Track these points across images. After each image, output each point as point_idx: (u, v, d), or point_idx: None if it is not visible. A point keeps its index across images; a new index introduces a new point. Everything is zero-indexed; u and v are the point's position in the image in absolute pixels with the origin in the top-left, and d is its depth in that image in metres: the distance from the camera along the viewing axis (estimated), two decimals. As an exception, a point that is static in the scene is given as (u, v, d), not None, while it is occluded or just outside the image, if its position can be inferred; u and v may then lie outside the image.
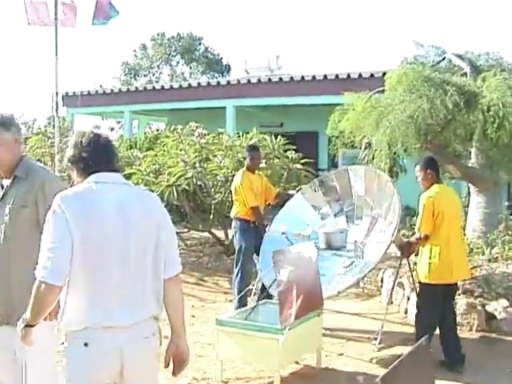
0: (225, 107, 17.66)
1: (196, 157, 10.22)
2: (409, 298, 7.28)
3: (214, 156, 10.30)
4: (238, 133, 10.91)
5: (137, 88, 20.12)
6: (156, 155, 11.34)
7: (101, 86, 25.13)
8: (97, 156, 2.97)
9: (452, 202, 5.95)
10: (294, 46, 58.53)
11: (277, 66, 22.15)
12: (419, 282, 5.98)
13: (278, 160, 10.54)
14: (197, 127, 11.08)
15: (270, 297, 6.30)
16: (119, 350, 2.86)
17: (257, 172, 7.86)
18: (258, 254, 7.42)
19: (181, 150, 10.57)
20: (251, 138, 10.54)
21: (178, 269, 3.07)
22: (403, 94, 8.25)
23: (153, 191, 10.31)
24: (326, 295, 5.92)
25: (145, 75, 34.97)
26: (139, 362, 2.94)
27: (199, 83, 18.72)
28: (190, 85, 18.80)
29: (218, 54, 36.18)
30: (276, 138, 10.68)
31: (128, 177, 11.19)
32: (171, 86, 19.04)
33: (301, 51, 48.83)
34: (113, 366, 2.89)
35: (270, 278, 6.08)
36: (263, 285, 6.67)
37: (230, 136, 10.77)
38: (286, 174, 10.40)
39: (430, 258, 5.66)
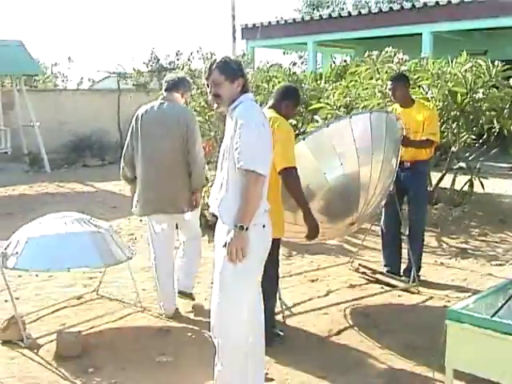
0: (420, 34, 15.58)
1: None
2: None
3: (419, 86, 8.52)
4: (447, 58, 8.99)
5: (321, 16, 18.40)
6: (347, 86, 9.76)
7: (281, 18, 23.70)
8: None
9: None
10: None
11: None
12: None
13: (496, 90, 8.56)
14: (395, 53, 9.31)
15: None
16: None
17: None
18: None
19: (377, 80, 8.91)
20: (464, 64, 8.60)
21: None
22: None
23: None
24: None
25: (328, 6, 33.02)
26: None
27: (391, 7, 16.66)
28: (380, 10, 16.81)
29: (407, -20, 33.29)
30: (494, 64, 8.65)
31: (315, 111, 9.78)
32: (359, 13, 17.12)
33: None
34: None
35: None
36: None
37: (437, 62, 8.88)
38: (508, 107, 8.42)
39: None
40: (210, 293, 5.76)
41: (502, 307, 3.47)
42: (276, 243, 4.57)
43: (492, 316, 3.43)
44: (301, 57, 31.50)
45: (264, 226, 3.55)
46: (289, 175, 4.44)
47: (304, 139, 5.26)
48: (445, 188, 9.68)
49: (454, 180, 9.59)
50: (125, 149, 5.53)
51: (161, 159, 5.25)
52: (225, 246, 3.42)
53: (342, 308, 5.54)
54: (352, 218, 5.60)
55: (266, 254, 3.63)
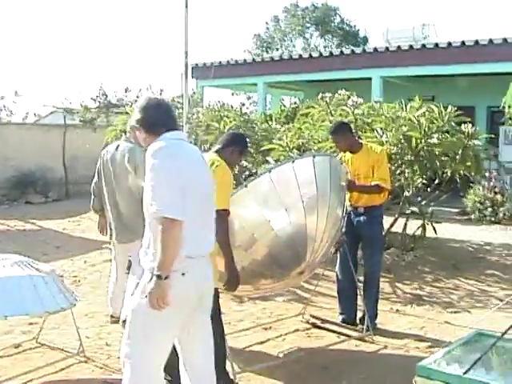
0: (370, 78, 15.75)
1: (350, 130, 8.40)
2: None
3: (372, 130, 8.47)
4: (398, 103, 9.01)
5: (272, 58, 18.56)
6: (300, 128, 9.67)
7: (232, 59, 23.73)
8: (164, 117, 3.50)
9: None
10: (440, 13, 54.07)
11: (422, 36, 19.96)
12: None
13: (448, 135, 8.56)
14: (349, 96, 9.28)
15: None
16: (206, 275, 3.47)
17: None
18: None
19: (330, 122, 8.82)
20: (417, 109, 8.60)
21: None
22: None
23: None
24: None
25: (277, 48, 33.35)
26: (212, 283, 3.60)
27: (342, 51, 16.84)
28: (331, 53, 16.99)
29: (355, 26, 33.91)
30: (446, 109, 8.66)
31: (267, 153, 9.63)
32: (310, 55, 17.28)
33: (447, 20, 44.76)
34: (201, 290, 3.43)
35: None
36: None
37: (390, 106, 8.86)
38: (460, 152, 8.41)
39: None
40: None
41: (475, 363, 3.29)
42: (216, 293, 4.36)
43: (465, 373, 3.25)
44: (249, 98, 31.57)
45: (183, 274, 3.27)
46: (218, 217, 4.01)
47: (246, 186, 5.00)
48: (396, 232, 9.59)
49: (405, 224, 9.51)
50: (94, 182, 6.14)
51: (117, 197, 5.87)
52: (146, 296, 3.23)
53: (298, 359, 5.28)
54: (301, 267, 5.36)
55: (184, 303, 3.34)
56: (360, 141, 6.46)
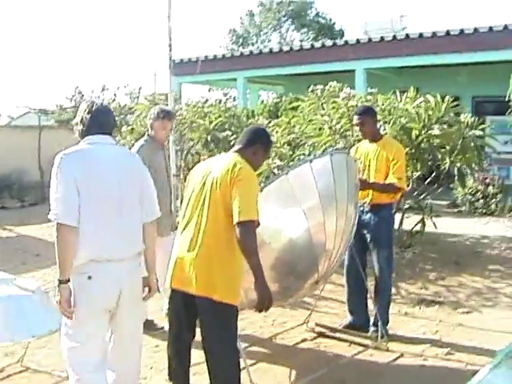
0: (354, 70, 15.35)
1: (345, 123, 7.99)
2: None
3: (368, 122, 8.05)
4: (395, 92, 8.61)
5: (251, 52, 18.01)
6: (289, 123, 9.24)
7: (209, 54, 23.16)
8: (90, 122, 3.62)
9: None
10: (417, 5, 53.94)
11: (400, 28, 19.64)
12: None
13: (446, 126, 8.17)
14: (341, 87, 8.86)
15: None
16: (118, 279, 3.49)
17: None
18: None
19: (322, 116, 8.41)
20: (413, 100, 8.21)
21: (155, 215, 3.79)
22: None
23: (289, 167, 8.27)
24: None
25: (252, 43, 32.93)
26: (133, 288, 3.61)
27: (323, 43, 16.39)
28: (312, 46, 16.50)
29: (331, 19, 33.53)
30: (443, 100, 8.28)
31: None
32: (291, 48, 16.81)
33: (426, 11, 44.50)
34: (113, 294, 3.50)
35: None
36: None
37: (385, 97, 8.44)
38: (459, 142, 8.02)
39: None
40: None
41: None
42: (232, 312, 3.82)
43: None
44: (225, 94, 31.12)
45: (90, 278, 3.43)
46: (244, 230, 3.56)
47: (261, 190, 4.51)
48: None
49: (402, 220, 9.12)
50: None
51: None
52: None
53: (312, 374, 4.83)
54: (317, 275, 4.93)
55: (94, 304, 3.49)
56: (381, 132, 6.06)
